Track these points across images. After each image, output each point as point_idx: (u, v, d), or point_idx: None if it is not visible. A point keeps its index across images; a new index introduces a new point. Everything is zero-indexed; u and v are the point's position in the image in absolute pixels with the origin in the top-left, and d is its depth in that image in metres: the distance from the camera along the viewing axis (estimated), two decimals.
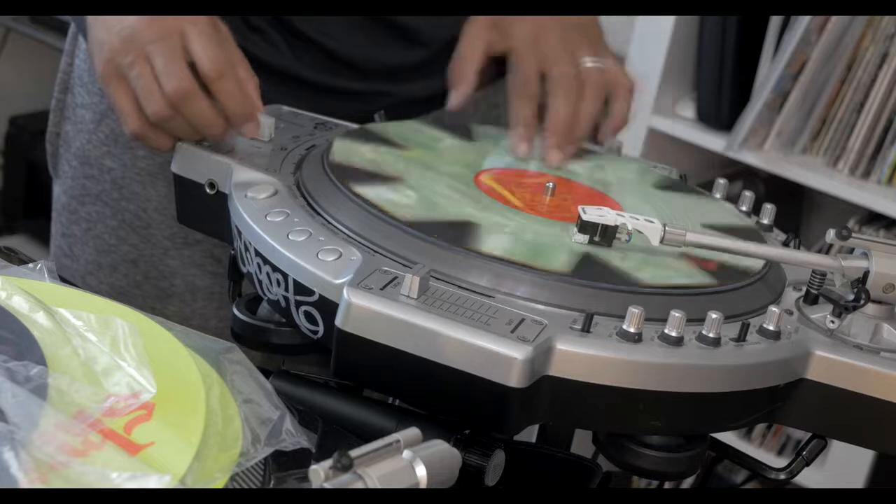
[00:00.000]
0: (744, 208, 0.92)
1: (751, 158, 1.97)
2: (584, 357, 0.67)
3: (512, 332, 0.66)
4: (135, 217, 1.06)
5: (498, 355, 0.65)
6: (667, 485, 1.12)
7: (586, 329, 0.68)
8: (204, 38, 0.83)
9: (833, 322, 0.75)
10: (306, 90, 1.02)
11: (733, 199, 0.94)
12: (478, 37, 0.96)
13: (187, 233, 1.04)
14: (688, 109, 2.06)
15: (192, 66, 0.83)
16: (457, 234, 0.75)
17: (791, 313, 0.76)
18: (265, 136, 0.89)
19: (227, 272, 0.87)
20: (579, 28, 0.94)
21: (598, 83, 0.92)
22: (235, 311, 0.80)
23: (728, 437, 1.58)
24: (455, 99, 0.96)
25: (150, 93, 0.82)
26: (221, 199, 0.84)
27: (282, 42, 1.00)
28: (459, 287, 0.71)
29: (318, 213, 0.79)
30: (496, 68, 1.13)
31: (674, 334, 0.69)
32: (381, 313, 0.67)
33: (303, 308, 0.73)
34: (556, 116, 0.91)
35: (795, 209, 2.17)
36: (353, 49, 1.02)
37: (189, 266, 1.06)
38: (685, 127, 2.03)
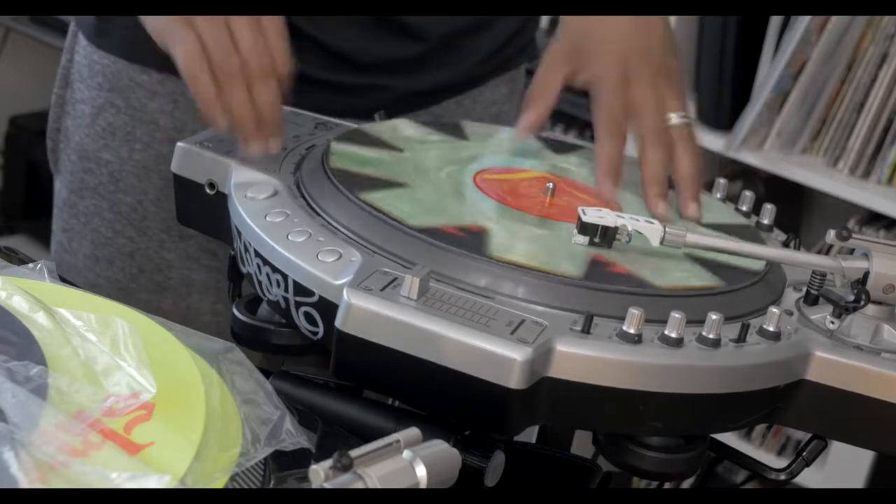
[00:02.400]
0: (744, 208, 0.92)
1: (751, 158, 1.97)
2: (584, 358, 0.67)
3: (512, 333, 0.66)
4: (131, 210, 1.06)
5: (498, 357, 0.65)
6: (667, 485, 1.12)
7: (586, 330, 0.68)
8: (283, 42, 0.84)
9: (833, 323, 0.75)
10: (304, 85, 1.02)
11: (733, 199, 0.94)
12: (558, 66, 0.93)
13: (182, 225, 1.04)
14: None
15: None
16: (455, 234, 0.75)
17: (791, 314, 0.76)
18: None
19: (223, 267, 0.87)
20: (667, 74, 0.91)
21: (689, 141, 0.90)
22: (235, 312, 0.80)
23: (728, 438, 1.58)
24: (526, 124, 0.92)
25: (220, 40, 0.81)
26: (221, 200, 0.84)
27: None
28: (459, 288, 0.71)
29: (318, 214, 0.79)
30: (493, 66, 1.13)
31: (674, 335, 0.69)
32: (380, 314, 0.67)
33: (302, 309, 0.73)
34: (652, 168, 0.88)
35: (795, 209, 2.17)
36: (349, 43, 1.02)
37: (184, 259, 1.07)
38: None
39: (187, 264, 1.07)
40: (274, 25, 0.84)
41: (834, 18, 1.89)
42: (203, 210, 0.87)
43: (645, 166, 0.88)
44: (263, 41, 0.83)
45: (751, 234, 0.87)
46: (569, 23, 0.94)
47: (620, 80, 0.89)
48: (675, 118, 0.90)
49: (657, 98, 0.90)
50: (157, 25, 0.84)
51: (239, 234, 0.80)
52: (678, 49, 0.94)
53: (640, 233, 0.77)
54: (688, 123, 0.91)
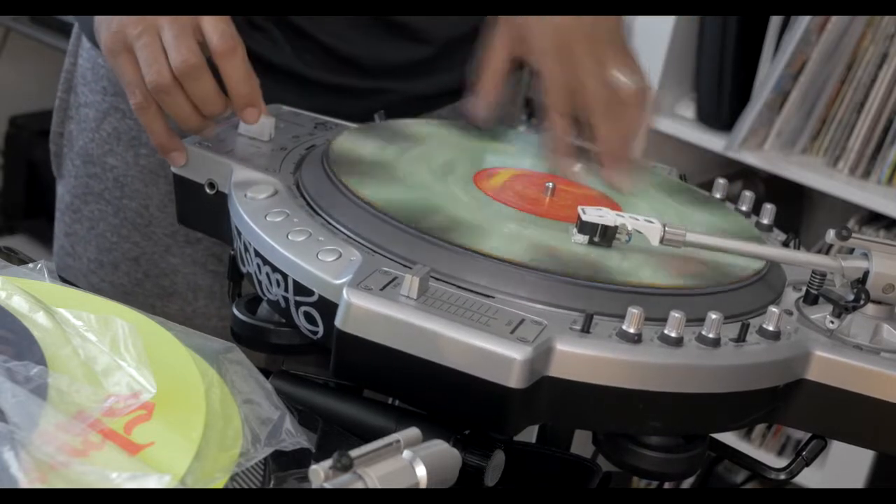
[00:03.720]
0: (744, 208, 0.92)
1: (751, 158, 1.97)
2: (584, 357, 0.67)
3: (512, 332, 0.66)
4: (136, 215, 1.06)
5: (498, 356, 0.65)
6: (667, 485, 1.12)
7: (586, 329, 0.68)
8: (217, 20, 0.83)
9: (833, 322, 0.75)
10: (309, 88, 1.02)
11: (733, 199, 0.94)
12: (499, 45, 0.92)
13: (188, 231, 1.04)
14: (688, 109, 2.06)
15: (201, 46, 0.82)
16: (455, 233, 0.75)
17: (791, 313, 0.76)
18: (265, 135, 0.89)
19: (227, 272, 0.87)
20: (605, 34, 0.90)
21: (634, 102, 0.90)
22: (235, 311, 0.80)
23: (728, 437, 1.58)
24: (478, 108, 0.93)
25: (153, 61, 0.81)
26: (221, 200, 0.84)
27: (283, 40, 1.01)
28: (459, 287, 0.71)
29: (318, 214, 0.79)
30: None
31: (673, 335, 0.69)
32: (380, 314, 0.67)
33: (302, 308, 0.73)
34: (605, 140, 0.88)
35: (795, 209, 2.17)
36: (354, 47, 1.02)
37: (190, 264, 1.06)
38: (685, 127, 2.03)
39: (193, 269, 1.07)
40: (213, 23, 0.82)
41: (834, 18, 1.89)
42: (203, 210, 0.87)
43: (598, 141, 0.88)
44: (197, 44, 0.82)
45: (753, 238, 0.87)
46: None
47: (559, 48, 0.88)
48: (622, 79, 0.89)
49: (599, 64, 0.89)
50: (105, 55, 0.85)
51: (239, 233, 0.80)
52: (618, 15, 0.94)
53: (639, 232, 0.77)
54: (630, 84, 0.89)
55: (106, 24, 0.84)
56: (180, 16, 0.82)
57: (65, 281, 0.77)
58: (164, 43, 0.81)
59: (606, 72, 0.89)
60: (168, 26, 0.81)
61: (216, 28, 0.82)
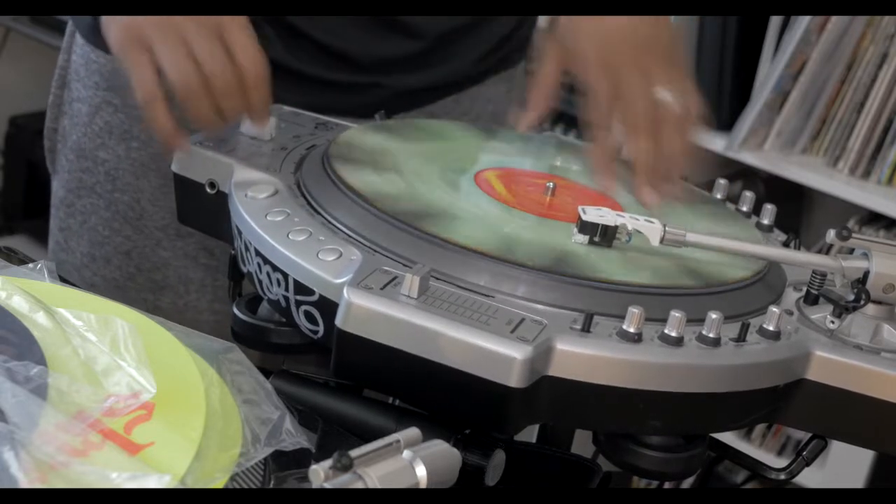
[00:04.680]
0: (744, 208, 0.92)
1: (751, 158, 1.97)
2: (584, 357, 0.67)
3: (512, 332, 0.66)
4: (128, 208, 1.06)
5: (498, 355, 0.65)
6: (667, 485, 1.12)
7: (586, 329, 0.68)
8: (247, 38, 0.83)
9: (833, 322, 0.75)
10: (303, 84, 1.02)
11: (733, 199, 0.94)
12: (550, 58, 0.93)
13: (180, 224, 1.04)
14: None
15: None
16: (456, 233, 0.75)
17: (791, 313, 0.76)
18: (266, 135, 0.89)
19: (220, 265, 0.87)
20: (651, 45, 0.90)
21: (676, 121, 0.88)
22: (235, 311, 0.80)
23: (728, 437, 1.58)
24: (524, 122, 0.94)
25: (182, 61, 0.81)
26: (222, 199, 0.84)
27: (276, 37, 1.01)
28: (459, 287, 0.71)
29: (319, 213, 0.79)
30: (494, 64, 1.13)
31: (674, 334, 0.69)
32: (381, 313, 0.67)
33: (303, 308, 0.73)
34: (640, 156, 0.87)
35: (795, 209, 2.17)
36: (348, 42, 1.03)
37: (181, 257, 1.07)
38: None
39: (185, 262, 1.07)
40: (240, 36, 0.83)
41: (834, 18, 1.89)
42: (203, 209, 0.87)
43: (633, 155, 0.88)
44: (226, 54, 0.82)
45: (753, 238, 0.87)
46: (560, 20, 0.94)
47: (603, 63, 0.88)
48: (664, 95, 0.88)
49: (642, 78, 0.88)
50: (115, 49, 0.84)
51: (239, 233, 0.80)
52: (670, 24, 0.93)
53: (639, 232, 0.77)
54: (676, 101, 0.88)
55: (116, 22, 0.84)
56: (204, 23, 0.81)
57: (63, 280, 0.77)
58: (197, 53, 0.81)
59: (651, 87, 0.88)
60: (197, 36, 0.81)
61: (250, 56, 0.83)
